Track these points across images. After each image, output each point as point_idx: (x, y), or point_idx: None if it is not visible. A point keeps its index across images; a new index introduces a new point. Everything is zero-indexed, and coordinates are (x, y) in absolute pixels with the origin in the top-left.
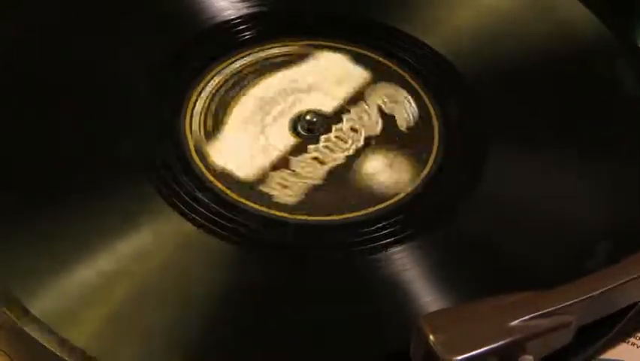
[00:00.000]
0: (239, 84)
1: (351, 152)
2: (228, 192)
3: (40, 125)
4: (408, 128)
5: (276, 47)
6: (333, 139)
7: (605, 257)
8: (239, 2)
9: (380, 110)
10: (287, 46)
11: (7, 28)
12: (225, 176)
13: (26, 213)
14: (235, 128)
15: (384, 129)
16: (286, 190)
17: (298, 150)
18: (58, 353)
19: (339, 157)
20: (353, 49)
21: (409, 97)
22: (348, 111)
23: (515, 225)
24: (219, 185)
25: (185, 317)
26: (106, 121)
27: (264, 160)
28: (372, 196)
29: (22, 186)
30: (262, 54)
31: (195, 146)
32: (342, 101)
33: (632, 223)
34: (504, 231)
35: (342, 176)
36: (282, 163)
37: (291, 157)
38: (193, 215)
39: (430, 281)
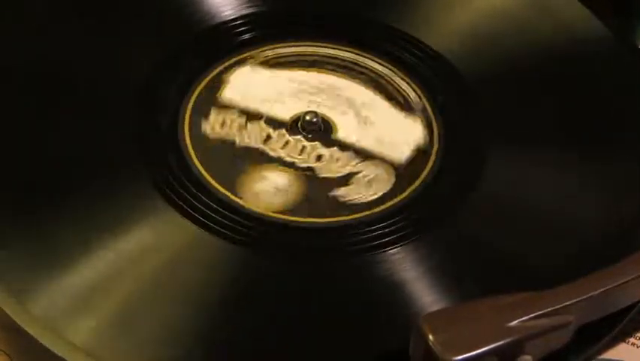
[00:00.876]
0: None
1: (287, 159)
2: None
3: (40, 125)
4: (333, 197)
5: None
6: (298, 144)
7: (604, 257)
8: (239, 2)
9: (349, 174)
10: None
11: (6, 28)
12: (218, 84)
13: (26, 213)
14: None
15: (325, 180)
16: (217, 126)
17: (276, 124)
18: (58, 353)
19: (277, 152)
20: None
21: (379, 194)
22: (343, 150)
23: (515, 225)
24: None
25: (185, 317)
26: (106, 121)
27: (250, 103)
28: (230, 184)
29: (22, 186)
30: (330, 51)
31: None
32: (354, 144)
33: (631, 223)
34: (504, 231)
35: (251, 158)
36: (252, 115)
37: (262, 121)
38: (193, 214)
39: (430, 281)
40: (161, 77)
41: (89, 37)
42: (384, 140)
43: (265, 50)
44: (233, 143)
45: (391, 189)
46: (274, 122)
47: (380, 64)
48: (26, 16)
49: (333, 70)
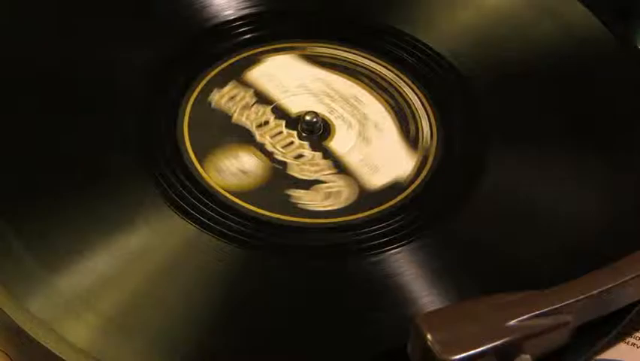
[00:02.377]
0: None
1: (268, 147)
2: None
3: (40, 125)
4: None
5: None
6: (287, 139)
7: (603, 257)
8: (239, 2)
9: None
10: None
11: (6, 28)
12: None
13: (26, 213)
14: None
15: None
16: (225, 99)
17: (280, 114)
18: (58, 353)
19: (262, 139)
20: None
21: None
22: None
23: (515, 225)
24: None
25: (185, 317)
26: (106, 121)
27: (269, 85)
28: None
29: (22, 185)
30: (348, 55)
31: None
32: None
33: (631, 223)
34: (504, 231)
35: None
36: (264, 98)
37: (269, 106)
38: (194, 215)
39: (430, 281)
40: (161, 77)
41: (89, 37)
42: (370, 163)
43: (312, 46)
44: (229, 117)
45: (344, 208)
46: (279, 112)
47: (390, 69)
48: (26, 15)
49: (364, 82)
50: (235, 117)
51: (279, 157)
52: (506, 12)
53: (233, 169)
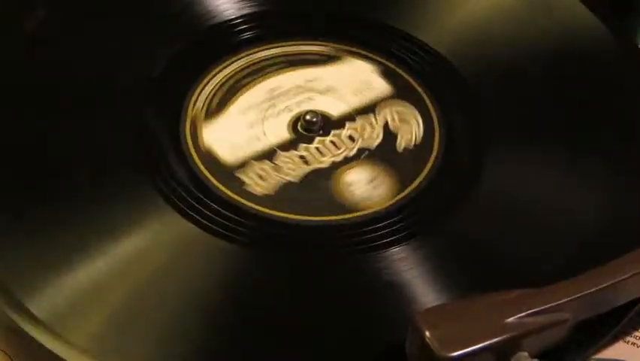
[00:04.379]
0: (255, 74)
1: (339, 158)
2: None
3: (40, 125)
4: (405, 149)
5: (298, 45)
6: (327, 143)
7: (602, 256)
8: (239, 2)
9: (386, 125)
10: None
11: (6, 29)
12: (209, 156)
13: (26, 213)
14: (237, 113)
15: (381, 145)
16: (260, 181)
17: (289, 145)
18: (58, 353)
19: (325, 161)
20: (382, 60)
21: (420, 120)
22: (354, 120)
23: (515, 225)
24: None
25: (186, 317)
26: (106, 121)
27: (251, 148)
28: (340, 206)
29: (22, 185)
30: (288, 49)
31: (191, 128)
32: (351, 109)
33: (631, 223)
34: (504, 231)
35: (320, 180)
36: (267, 154)
37: (279, 151)
38: (193, 215)
39: (430, 281)
40: (161, 77)
41: (89, 37)
42: (359, 89)
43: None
44: (292, 182)
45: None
46: (286, 146)
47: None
48: (26, 15)
49: (262, 75)
50: (293, 179)
51: (354, 151)
52: (506, 12)
53: (362, 185)
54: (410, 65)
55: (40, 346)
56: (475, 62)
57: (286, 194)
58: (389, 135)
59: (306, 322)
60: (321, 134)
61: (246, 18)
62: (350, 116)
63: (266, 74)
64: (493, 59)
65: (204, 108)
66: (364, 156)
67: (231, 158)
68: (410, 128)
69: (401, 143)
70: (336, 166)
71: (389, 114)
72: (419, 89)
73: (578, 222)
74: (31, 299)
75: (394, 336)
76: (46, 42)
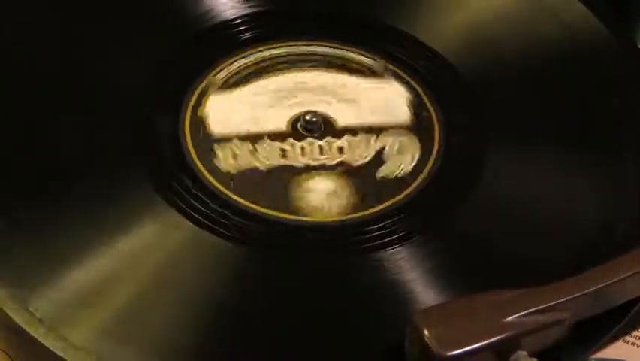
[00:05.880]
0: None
1: (315, 163)
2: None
3: (40, 125)
4: (383, 178)
5: (351, 52)
6: (315, 146)
7: (602, 255)
8: (240, 2)
9: (380, 151)
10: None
11: (6, 27)
12: (200, 123)
13: (26, 213)
14: (250, 93)
15: (363, 166)
16: (231, 159)
17: (278, 137)
18: (58, 353)
19: (302, 161)
20: (418, 89)
21: (417, 156)
22: (355, 135)
23: (515, 225)
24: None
25: (186, 317)
26: (106, 121)
27: (243, 127)
28: (289, 206)
29: (22, 185)
30: (336, 52)
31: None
32: (359, 125)
33: (630, 223)
34: (504, 231)
35: (285, 176)
36: (253, 138)
37: (267, 139)
38: (193, 214)
39: (430, 281)
40: (161, 77)
41: (89, 37)
42: (379, 109)
43: (219, 71)
44: (257, 169)
45: (421, 149)
46: (277, 136)
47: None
48: (26, 15)
49: (296, 67)
50: (260, 165)
51: (332, 162)
52: (506, 12)
53: (323, 196)
54: (410, 64)
55: (41, 346)
56: (476, 62)
57: (247, 178)
58: (377, 160)
59: (305, 321)
60: (315, 137)
61: (245, 19)
62: (353, 131)
63: (299, 68)
64: (493, 59)
65: (220, 82)
66: (340, 169)
67: (218, 129)
68: (400, 161)
69: (383, 171)
70: (308, 169)
71: (390, 142)
72: (437, 125)
73: (578, 222)
74: (31, 299)
75: (394, 336)
76: (46, 41)
